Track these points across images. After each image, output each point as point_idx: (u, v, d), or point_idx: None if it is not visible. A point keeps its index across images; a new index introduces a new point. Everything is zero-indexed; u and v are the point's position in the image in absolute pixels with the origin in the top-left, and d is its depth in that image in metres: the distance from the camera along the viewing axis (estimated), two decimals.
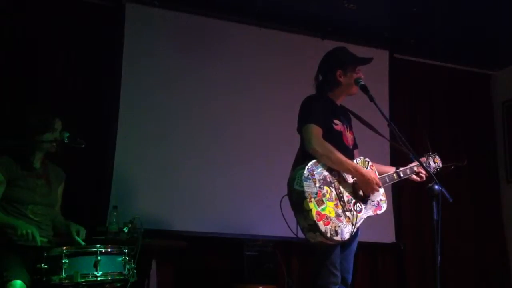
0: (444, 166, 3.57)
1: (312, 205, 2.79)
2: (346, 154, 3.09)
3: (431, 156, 3.54)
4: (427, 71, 6.25)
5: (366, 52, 3.35)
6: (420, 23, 5.43)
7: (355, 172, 3.02)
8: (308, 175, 2.87)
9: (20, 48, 4.61)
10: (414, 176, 3.39)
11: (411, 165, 3.36)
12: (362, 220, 3.03)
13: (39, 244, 3.14)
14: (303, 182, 2.83)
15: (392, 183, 3.34)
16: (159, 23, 5.02)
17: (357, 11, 5.17)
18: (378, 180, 3.08)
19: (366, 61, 3.28)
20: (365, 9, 5.16)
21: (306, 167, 2.89)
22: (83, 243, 3.33)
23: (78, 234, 3.39)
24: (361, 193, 3.06)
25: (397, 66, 5.97)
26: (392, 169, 3.32)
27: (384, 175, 3.22)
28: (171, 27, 5.06)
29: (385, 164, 3.50)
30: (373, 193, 3.07)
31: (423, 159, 3.46)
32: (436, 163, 3.54)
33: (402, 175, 3.30)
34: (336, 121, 3.16)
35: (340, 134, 3.16)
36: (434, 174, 3.36)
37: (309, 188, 2.83)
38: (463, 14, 5.21)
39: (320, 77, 3.30)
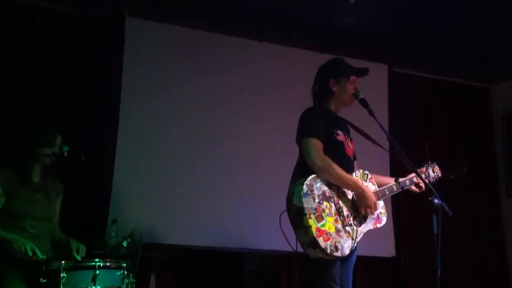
0: (443, 175, 3.56)
1: (311, 221, 2.78)
2: (348, 165, 3.09)
3: (430, 166, 3.52)
4: (426, 84, 6.26)
5: (366, 65, 3.34)
6: (419, 37, 5.45)
7: (355, 187, 3.01)
8: (307, 191, 2.85)
9: (19, 64, 4.61)
10: (413, 187, 3.37)
11: (410, 176, 3.35)
12: (362, 234, 3.02)
13: (41, 256, 3.12)
14: (302, 198, 2.82)
15: (392, 195, 3.32)
16: (159, 36, 5.03)
17: (357, 24, 5.20)
18: (375, 199, 3.06)
19: (360, 71, 3.28)
20: (365, 23, 5.20)
21: (305, 182, 2.88)
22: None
23: (78, 252, 3.38)
24: (360, 207, 3.04)
25: (397, 80, 5.99)
26: (391, 180, 3.30)
27: (383, 187, 3.21)
28: (171, 40, 5.08)
29: (385, 175, 3.49)
30: (370, 210, 3.04)
31: (422, 170, 3.45)
32: (435, 173, 3.52)
33: (401, 186, 3.29)
34: (338, 131, 3.16)
35: (342, 144, 3.16)
36: (434, 183, 3.37)
37: (309, 204, 2.82)
38: (462, 28, 5.23)
39: (317, 88, 3.31)
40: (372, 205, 3.02)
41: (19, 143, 3.44)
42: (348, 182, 2.99)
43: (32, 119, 4.25)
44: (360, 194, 3.00)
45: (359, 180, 3.10)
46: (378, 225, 3.12)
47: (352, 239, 2.91)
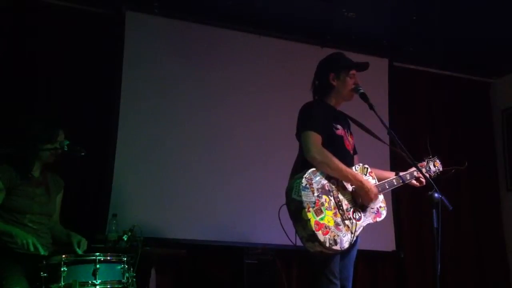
0: (444, 169, 3.56)
1: (310, 215, 2.78)
2: (347, 159, 3.09)
3: (431, 160, 3.52)
4: (426, 79, 6.26)
5: (366, 60, 3.34)
6: (419, 31, 5.44)
7: (354, 180, 3.01)
8: (306, 184, 2.86)
9: (20, 58, 4.61)
10: (414, 181, 3.37)
11: (410, 170, 3.35)
12: (361, 228, 3.02)
13: (42, 252, 3.13)
14: (301, 192, 2.82)
15: (392, 189, 3.32)
16: (159, 31, 5.02)
17: (357, 19, 5.19)
18: (376, 190, 3.08)
19: (360, 65, 3.27)
20: (365, 17, 5.19)
21: (304, 176, 2.88)
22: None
23: (79, 245, 3.38)
24: (360, 201, 3.05)
25: (397, 74, 5.98)
26: (392, 175, 3.31)
27: (383, 181, 3.21)
28: (171, 35, 5.07)
29: (385, 170, 3.49)
30: (371, 203, 3.06)
31: (423, 164, 3.46)
32: (436, 167, 3.52)
33: (402, 180, 3.29)
34: (337, 126, 3.16)
35: (341, 138, 3.17)
36: (435, 177, 3.37)
37: (307, 197, 2.82)
38: (462, 22, 5.22)
39: (317, 83, 3.31)
40: (373, 197, 3.02)
41: (21, 140, 3.44)
42: (347, 175, 2.99)
43: (33, 118, 4.24)
44: (360, 187, 3.01)
45: (359, 173, 3.10)
46: (378, 219, 3.12)
47: (351, 232, 2.91)
